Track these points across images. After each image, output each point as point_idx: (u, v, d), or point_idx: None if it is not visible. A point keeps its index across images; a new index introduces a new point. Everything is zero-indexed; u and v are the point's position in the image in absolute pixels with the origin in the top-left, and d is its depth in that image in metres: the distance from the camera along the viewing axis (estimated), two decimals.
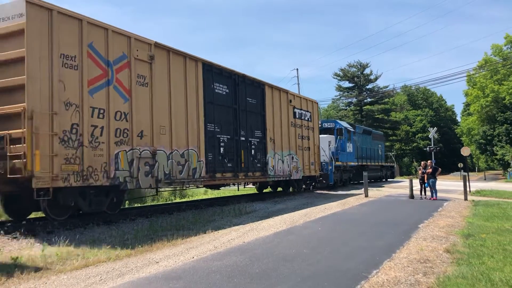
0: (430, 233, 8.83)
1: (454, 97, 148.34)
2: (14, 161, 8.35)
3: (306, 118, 20.73)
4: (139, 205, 16.67)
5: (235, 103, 15.07)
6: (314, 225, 10.20)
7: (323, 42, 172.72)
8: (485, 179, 45.75)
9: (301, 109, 20.20)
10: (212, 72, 14.03)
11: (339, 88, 64.64)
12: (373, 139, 33.79)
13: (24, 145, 8.29)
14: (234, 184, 17.29)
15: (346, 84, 64.19)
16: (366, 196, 18.09)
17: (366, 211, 13.40)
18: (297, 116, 19.72)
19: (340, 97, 65.70)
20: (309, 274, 5.69)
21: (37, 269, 6.11)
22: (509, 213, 12.23)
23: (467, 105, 63.56)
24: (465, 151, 24.92)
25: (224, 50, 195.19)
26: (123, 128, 10.44)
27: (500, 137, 49.84)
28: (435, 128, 48.92)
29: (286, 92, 19.04)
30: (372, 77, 62.26)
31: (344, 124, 28.16)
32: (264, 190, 21.89)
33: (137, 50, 11.04)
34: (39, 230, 8.84)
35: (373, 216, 11.93)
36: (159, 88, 11.70)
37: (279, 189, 21.63)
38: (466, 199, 16.81)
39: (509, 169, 46.79)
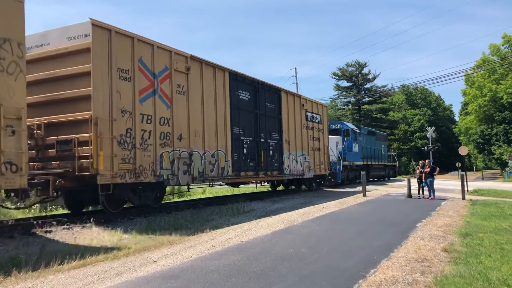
0: (428, 232, 8.84)
1: (452, 96, 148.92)
2: (81, 161, 9.79)
3: (317, 121, 22.21)
4: None
5: (256, 108, 16.55)
6: (312, 224, 10.20)
7: (321, 41, 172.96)
8: (483, 179, 45.87)
9: (312, 112, 21.65)
10: (237, 80, 15.52)
11: (337, 88, 64.68)
12: (376, 140, 35.25)
13: (91, 147, 9.69)
14: (252, 182, 18.75)
15: (344, 83, 64.26)
16: (364, 195, 18.11)
17: (364, 210, 13.41)
18: (308, 119, 21.14)
19: (338, 97, 65.80)
20: (307, 273, 5.69)
21: (34, 268, 6.09)
22: (507, 212, 12.26)
23: (465, 104, 63.67)
24: (463, 151, 24.95)
25: (223, 49, 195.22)
26: (166, 132, 11.93)
27: (498, 137, 49.95)
28: (433, 128, 49.03)
29: (299, 96, 20.59)
30: (370, 76, 62.33)
31: (350, 125, 29.79)
32: (278, 188, 23.02)
33: (177, 63, 12.49)
34: (37, 230, 8.83)
35: (371, 216, 11.94)
36: (194, 95, 13.19)
37: (292, 187, 22.89)
38: (464, 198, 16.83)
39: (506, 169, 46.92)
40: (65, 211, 12.71)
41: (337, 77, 63.74)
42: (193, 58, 13.18)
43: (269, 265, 6.10)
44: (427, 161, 18.11)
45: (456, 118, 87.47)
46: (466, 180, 19.29)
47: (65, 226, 9.38)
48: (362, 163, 29.92)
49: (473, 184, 28.32)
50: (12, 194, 8.36)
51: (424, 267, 6.01)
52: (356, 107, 61.56)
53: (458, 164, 34.15)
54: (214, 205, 14.61)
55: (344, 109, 64.79)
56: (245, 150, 15.64)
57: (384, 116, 62.24)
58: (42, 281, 5.56)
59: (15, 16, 8.11)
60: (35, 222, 9.18)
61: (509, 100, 48.10)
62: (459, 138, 70.03)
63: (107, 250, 7.32)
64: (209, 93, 13.82)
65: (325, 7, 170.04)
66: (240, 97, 15.57)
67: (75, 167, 9.72)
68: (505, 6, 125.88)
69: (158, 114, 11.63)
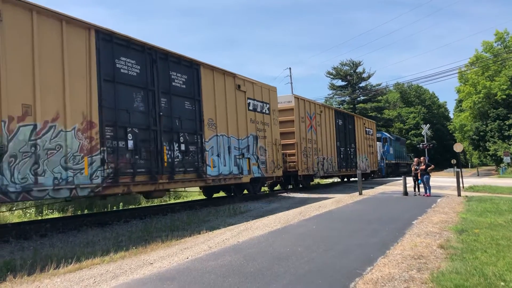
0: (424, 229, 8.86)
1: (447, 94, 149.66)
2: (290, 163, 20.28)
3: (370, 133, 33.35)
4: (133, 206, 16.58)
5: (345, 129, 27.52)
6: (309, 223, 10.20)
7: (315, 41, 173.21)
8: (478, 175, 46.01)
9: (368, 128, 32.95)
10: (337, 113, 26.59)
11: (332, 87, 64.77)
12: (400, 144, 47.43)
13: (295, 157, 20.41)
14: (334, 176, 29.57)
15: (339, 82, 64.39)
16: (360, 194, 18.14)
17: (360, 208, 13.43)
18: (366, 133, 32.09)
19: (333, 96, 65.79)
20: (304, 272, 5.69)
21: (30, 273, 6.05)
22: (502, 208, 12.30)
23: (460, 101, 63.85)
24: (458, 147, 25.05)
25: (215, 50, 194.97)
26: (314, 147, 22.54)
27: (493, 133, 50.15)
28: (428, 125, 49.24)
29: (362, 118, 32.31)
30: (365, 75, 62.48)
31: (387, 134, 42.33)
32: (344, 180, 32.64)
33: (316, 109, 23.28)
34: (32, 234, 8.78)
35: (367, 214, 11.96)
36: (322, 125, 23.91)
37: (353, 179, 32.34)
38: (459, 195, 16.87)
39: (501, 165, 47.11)
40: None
41: (331, 76, 63.89)
42: (322, 105, 25.33)
43: (266, 265, 6.09)
44: (422, 158, 18.17)
45: (451, 115, 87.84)
46: (462, 176, 19.35)
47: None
48: (395, 161, 41.86)
49: (469, 180, 28.42)
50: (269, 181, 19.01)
51: (420, 264, 6.02)
52: (351, 106, 61.67)
53: (453, 161, 34.44)
54: (211, 206, 14.58)
55: (339, 108, 64.87)
56: (341, 155, 26.27)
57: (379, 115, 62.36)
58: (37, 285, 5.52)
59: (275, 97, 18.90)
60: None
61: (503, 96, 48.33)
62: (454, 135, 70.26)
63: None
64: (327, 123, 24.49)
65: (318, 7, 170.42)
66: (339, 123, 26.34)
67: (287, 167, 20.02)
68: (496, 3, 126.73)
69: (312, 138, 22.23)
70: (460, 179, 17.95)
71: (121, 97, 10.62)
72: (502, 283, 4.96)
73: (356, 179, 29.81)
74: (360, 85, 63.60)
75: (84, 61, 9.80)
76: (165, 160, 11.63)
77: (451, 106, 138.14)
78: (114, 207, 15.57)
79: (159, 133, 11.47)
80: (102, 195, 10.22)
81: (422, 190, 17.53)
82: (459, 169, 20.64)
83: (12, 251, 7.51)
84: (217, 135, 14.16)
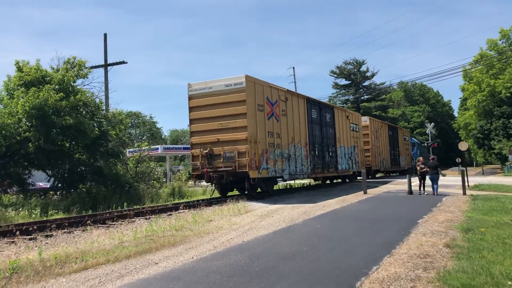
0: (430, 228, 8.82)
1: (451, 92, 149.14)
2: (366, 162, 29.63)
3: (406, 140, 43.16)
4: (138, 206, 16.62)
5: (393, 138, 37.10)
6: (314, 222, 10.18)
7: (319, 40, 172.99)
8: (483, 174, 45.82)
9: (405, 136, 42.98)
10: (389, 127, 36.33)
11: (336, 86, 64.62)
12: (423, 147, 54.61)
13: (369, 158, 30.43)
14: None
15: (343, 81, 64.25)
16: (365, 193, 18.08)
17: (365, 208, 13.39)
18: (404, 139, 41.81)
19: (337, 95, 65.65)
20: (309, 272, 5.67)
21: (36, 273, 6.06)
22: (508, 206, 12.23)
23: (464, 99, 63.54)
24: (463, 146, 24.96)
25: (219, 50, 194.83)
26: (379, 151, 32.43)
27: (497, 131, 49.87)
28: (433, 124, 49.26)
29: (402, 128, 44.00)
30: (368, 74, 62.32)
31: (415, 139, 52.19)
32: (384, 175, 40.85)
33: (379, 125, 33.45)
34: (37, 234, 8.81)
35: (372, 213, 11.92)
36: (382, 136, 33.75)
37: (392, 174, 41.18)
38: (464, 193, 16.79)
39: (507, 163, 46.88)
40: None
41: (335, 75, 63.76)
42: (382, 122, 34.90)
43: (271, 265, 6.07)
44: (431, 157, 18.06)
45: (455, 113, 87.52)
46: (467, 175, 19.26)
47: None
48: None
49: (474, 179, 28.28)
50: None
51: (426, 263, 5.99)
52: (355, 105, 61.51)
53: (458, 160, 34.66)
54: (215, 206, 14.58)
55: (343, 107, 64.72)
56: (392, 156, 35.70)
57: (383, 114, 62.11)
58: (43, 285, 5.54)
59: (361, 119, 29.37)
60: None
61: (508, 94, 48.06)
62: (458, 132, 69.95)
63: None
64: (384, 134, 34.13)
65: (321, 6, 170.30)
66: (390, 133, 35.96)
67: (365, 164, 29.01)
68: (499, 1, 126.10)
69: (377, 144, 32.04)
70: (465, 178, 17.86)
71: (313, 129, 20.98)
72: (510, 282, 4.92)
73: (396, 174, 41.06)
74: (364, 84, 63.45)
75: (304, 114, 20.15)
76: (326, 161, 22.14)
77: (455, 105, 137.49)
78: (119, 207, 15.60)
79: (323, 146, 21.95)
80: (309, 177, 22.42)
81: (427, 189, 17.45)
82: (464, 168, 20.55)
83: (18, 252, 7.54)
84: (340, 146, 24.23)
